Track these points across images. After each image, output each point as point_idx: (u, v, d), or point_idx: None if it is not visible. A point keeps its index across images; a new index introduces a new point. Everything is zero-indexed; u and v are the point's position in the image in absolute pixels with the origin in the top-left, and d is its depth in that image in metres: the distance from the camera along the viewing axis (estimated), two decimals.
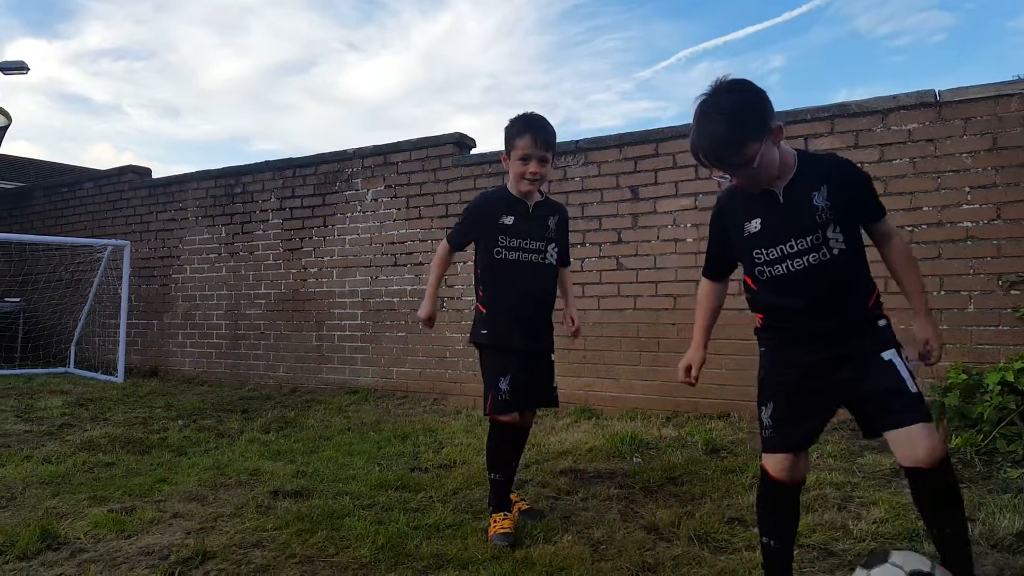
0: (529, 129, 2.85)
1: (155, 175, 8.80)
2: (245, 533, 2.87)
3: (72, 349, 8.51)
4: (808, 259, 1.98)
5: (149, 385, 7.20)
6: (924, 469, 1.88)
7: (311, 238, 7.13)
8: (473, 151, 6.49)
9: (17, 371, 7.93)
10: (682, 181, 5.29)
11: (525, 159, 2.84)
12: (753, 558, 2.54)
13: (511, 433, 2.91)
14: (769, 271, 2.07)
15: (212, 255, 7.87)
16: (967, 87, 4.41)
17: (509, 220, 2.88)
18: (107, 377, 7.62)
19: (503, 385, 2.83)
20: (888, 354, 1.97)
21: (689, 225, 5.23)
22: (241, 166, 7.77)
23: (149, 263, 8.35)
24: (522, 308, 2.94)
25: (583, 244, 5.63)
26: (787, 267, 2.02)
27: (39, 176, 12.16)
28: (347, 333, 6.82)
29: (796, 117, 4.91)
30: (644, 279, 5.38)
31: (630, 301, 5.43)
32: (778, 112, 4.80)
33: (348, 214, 6.91)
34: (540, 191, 3.01)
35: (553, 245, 2.99)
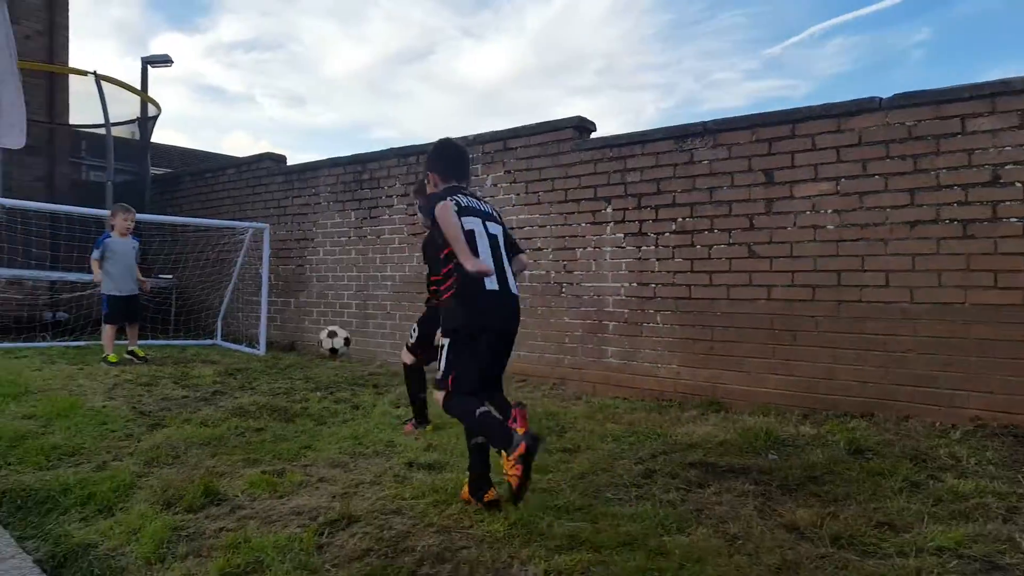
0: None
1: (288, 162, 9.32)
2: (385, 500, 3.01)
3: (219, 323, 9.20)
4: None
5: (288, 359, 7.67)
6: None
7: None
8: (593, 135, 6.42)
9: (172, 342, 8.68)
10: (822, 164, 5.00)
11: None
12: (907, 565, 2.38)
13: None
14: None
15: (343, 238, 8.25)
16: None
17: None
18: (250, 350, 8.19)
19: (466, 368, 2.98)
20: None
21: (830, 211, 4.94)
22: (366, 153, 8.08)
23: (286, 245, 8.86)
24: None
25: (711, 230, 5.46)
26: None
27: (184, 162, 13.13)
28: None
29: (951, 96, 4.52)
30: (779, 267, 5.14)
31: (763, 291, 5.21)
32: (930, 91, 4.43)
33: None
34: None
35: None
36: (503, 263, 3.09)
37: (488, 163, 6.90)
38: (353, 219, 8.15)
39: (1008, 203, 4.32)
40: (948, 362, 4.46)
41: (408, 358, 4.36)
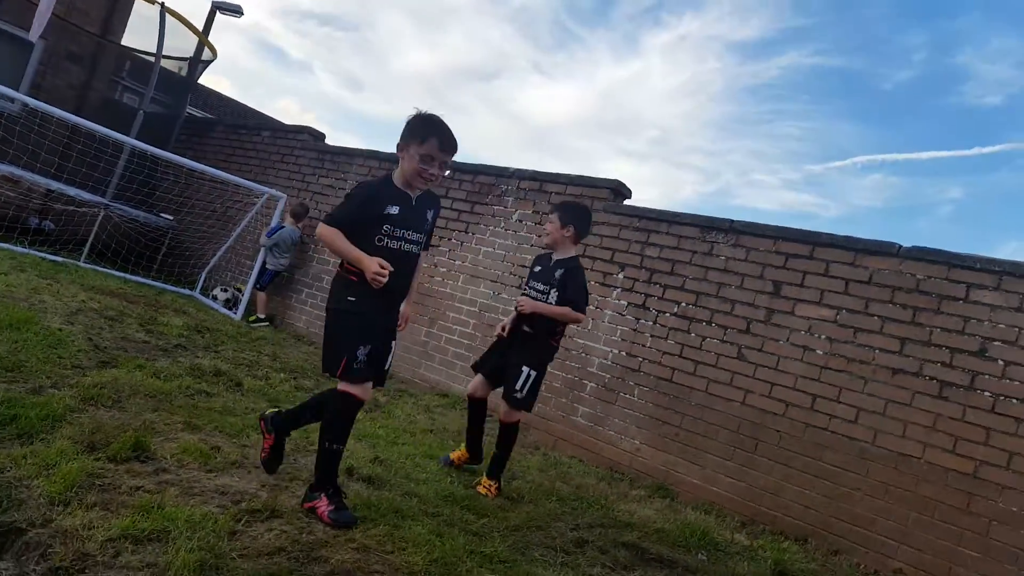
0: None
1: (327, 141, 9.34)
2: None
3: (202, 276, 9.10)
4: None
5: (262, 331, 7.58)
6: None
7: (450, 239, 7.31)
8: (627, 201, 6.46)
9: (152, 282, 8.57)
10: (828, 291, 5.03)
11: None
12: None
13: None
14: None
15: None
16: None
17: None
18: (227, 311, 8.10)
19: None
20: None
21: (824, 337, 4.96)
22: None
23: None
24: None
25: (709, 323, 5.46)
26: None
27: (227, 112, 13.13)
28: (455, 338, 6.92)
29: (964, 263, 4.59)
30: (761, 376, 5.14)
31: (740, 394, 5.20)
32: (947, 252, 4.56)
33: (491, 227, 7.04)
34: None
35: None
36: None
37: (520, 199, 6.92)
38: None
39: (987, 376, 4.38)
40: (889, 510, 4.49)
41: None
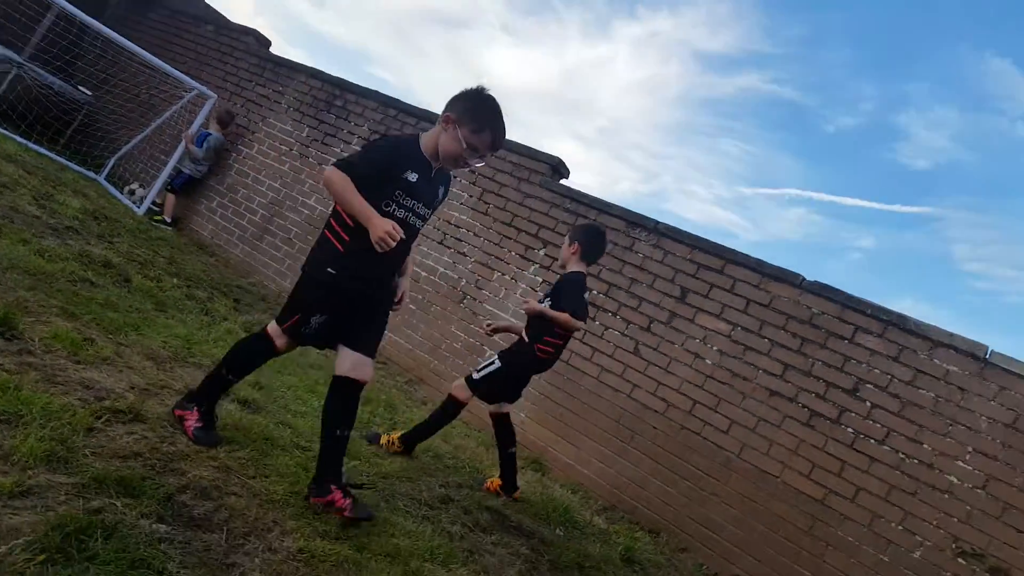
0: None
1: (273, 50, 8.91)
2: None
3: (111, 161, 8.56)
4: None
5: (164, 232, 7.23)
6: None
7: None
8: (563, 180, 6.49)
9: (55, 156, 8.00)
10: (729, 307, 5.25)
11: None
12: None
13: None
14: None
15: (283, 147, 7.93)
16: (1015, 359, 4.40)
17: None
18: (129, 203, 7.67)
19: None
20: None
21: (715, 349, 5.18)
22: (351, 82, 7.80)
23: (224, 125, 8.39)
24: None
25: (614, 314, 5.61)
26: None
27: None
28: None
29: (857, 305, 4.90)
30: (650, 374, 5.33)
31: (628, 387, 5.38)
32: (843, 292, 4.88)
33: None
34: None
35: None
36: None
37: None
38: (304, 134, 7.85)
39: (853, 414, 4.71)
40: (740, 520, 4.78)
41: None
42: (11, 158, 6.46)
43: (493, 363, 3.96)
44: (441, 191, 2.91)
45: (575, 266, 4.02)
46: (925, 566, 4.27)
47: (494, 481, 4.08)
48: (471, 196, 6.62)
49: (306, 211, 7.48)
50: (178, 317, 4.32)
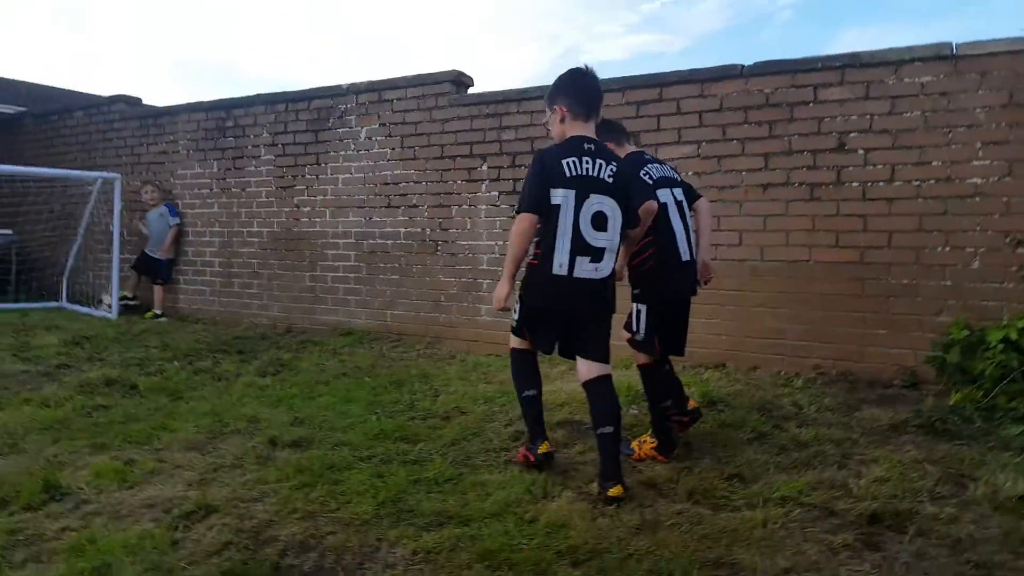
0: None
1: (146, 101, 8.55)
2: (246, 486, 2.89)
3: (64, 283, 8.41)
4: None
5: (144, 323, 7.17)
6: None
7: (304, 176, 6.99)
8: (471, 90, 6.29)
9: (12, 305, 7.86)
10: (685, 128, 5.16)
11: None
12: (753, 517, 2.57)
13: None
14: None
15: (204, 190, 7.72)
16: (985, 41, 4.28)
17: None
18: (102, 313, 7.58)
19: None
20: None
21: (691, 173, 5.11)
22: (233, 99, 7.51)
23: (141, 197, 8.17)
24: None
25: None
26: None
27: (32, 100, 11.53)
28: (341, 274, 6.77)
29: (806, 66, 4.77)
30: None
31: None
32: (787, 60, 4.71)
33: (342, 152, 6.75)
34: None
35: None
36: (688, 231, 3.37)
37: (363, 115, 6.62)
38: (216, 170, 7.63)
39: (851, 168, 4.66)
40: (793, 315, 4.82)
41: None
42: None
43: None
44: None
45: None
46: (990, 271, 4.28)
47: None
48: (393, 149, 6.46)
49: (256, 239, 7.35)
50: (196, 396, 4.34)
